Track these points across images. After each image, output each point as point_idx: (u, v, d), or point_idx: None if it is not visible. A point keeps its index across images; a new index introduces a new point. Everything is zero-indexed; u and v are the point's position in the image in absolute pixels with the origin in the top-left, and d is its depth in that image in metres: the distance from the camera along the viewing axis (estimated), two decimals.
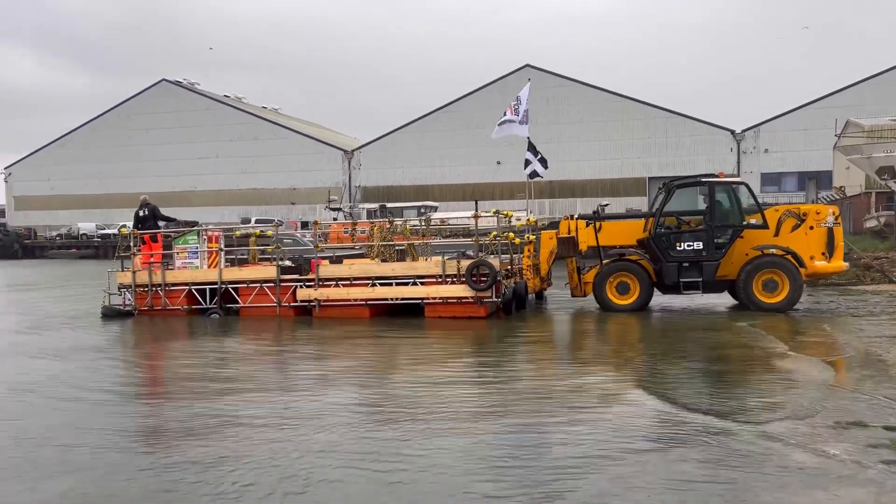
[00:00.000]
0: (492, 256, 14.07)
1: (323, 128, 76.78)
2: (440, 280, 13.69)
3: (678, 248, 13.95)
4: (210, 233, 16.07)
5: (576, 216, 15.46)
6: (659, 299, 15.12)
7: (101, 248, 52.68)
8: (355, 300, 14.14)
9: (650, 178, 50.92)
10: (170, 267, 15.70)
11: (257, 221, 46.73)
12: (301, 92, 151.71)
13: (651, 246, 14.18)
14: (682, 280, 13.90)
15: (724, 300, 15.22)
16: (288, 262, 15.71)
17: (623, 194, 51.83)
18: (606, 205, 18.60)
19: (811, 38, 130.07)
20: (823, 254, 13.70)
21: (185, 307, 15.21)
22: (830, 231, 13.70)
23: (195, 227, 16.74)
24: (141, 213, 16.85)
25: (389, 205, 44.21)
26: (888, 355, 8.87)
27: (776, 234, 13.83)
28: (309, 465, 5.16)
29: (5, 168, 68.67)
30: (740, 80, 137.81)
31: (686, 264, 13.91)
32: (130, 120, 64.99)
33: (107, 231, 55.37)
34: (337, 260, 16.17)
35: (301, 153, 60.69)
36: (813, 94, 53.69)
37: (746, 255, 13.74)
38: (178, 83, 65.70)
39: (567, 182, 54.25)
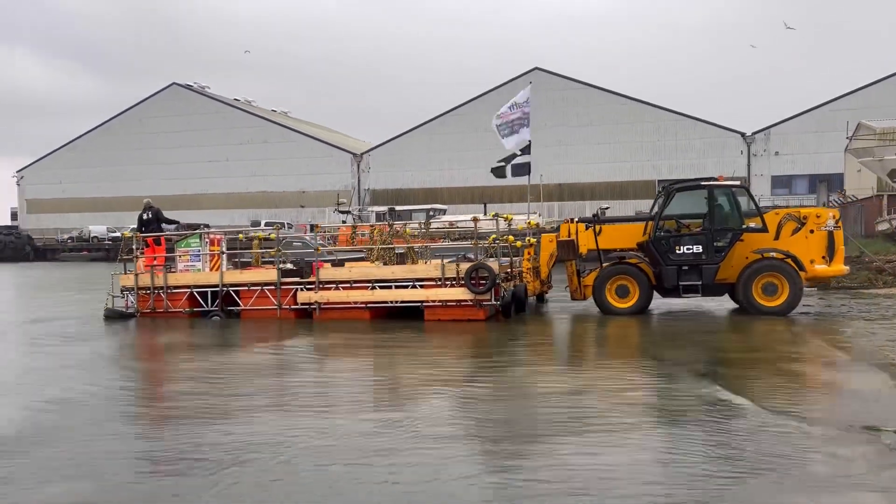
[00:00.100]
0: (491, 259, 14.08)
1: (332, 131, 77.02)
2: (439, 283, 13.73)
3: (677, 251, 13.91)
4: (212, 236, 16.16)
5: (576, 219, 15.46)
6: (658, 302, 15.10)
7: (112, 251, 52.92)
8: (355, 303, 14.20)
9: (660, 181, 50.74)
10: (172, 270, 15.83)
11: (267, 224, 46.84)
12: (302, 93, 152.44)
13: (650, 249, 14.15)
14: (681, 283, 13.85)
15: (724, 303, 15.18)
16: (289, 265, 15.78)
17: (632, 197, 51.68)
18: (607, 208, 18.61)
19: (811, 38, 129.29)
20: (824, 257, 13.64)
21: (187, 309, 15.32)
22: (831, 235, 13.63)
23: (197, 231, 16.79)
24: (144, 217, 16.98)
25: (398, 208, 44.31)
26: None
27: (776, 238, 13.78)
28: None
29: (17, 171, 69.30)
30: (740, 80, 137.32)
31: (685, 268, 13.87)
32: (141, 123, 65.45)
33: (118, 234, 55.73)
34: (339, 263, 16.25)
35: (310, 156, 60.91)
36: (814, 93, 53.49)
37: (746, 258, 13.68)
38: (188, 87, 66.11)
39: (576, 185, 54.23)
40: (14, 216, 69.64)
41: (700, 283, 13.77)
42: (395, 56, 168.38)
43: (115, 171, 64.98)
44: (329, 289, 14.42)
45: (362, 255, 17.26)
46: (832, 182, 47.26)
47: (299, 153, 61.26)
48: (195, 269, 15.71)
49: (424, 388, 8.01)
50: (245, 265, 17.15)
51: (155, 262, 15.85)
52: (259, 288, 14.93)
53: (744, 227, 13.77)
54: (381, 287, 14.14)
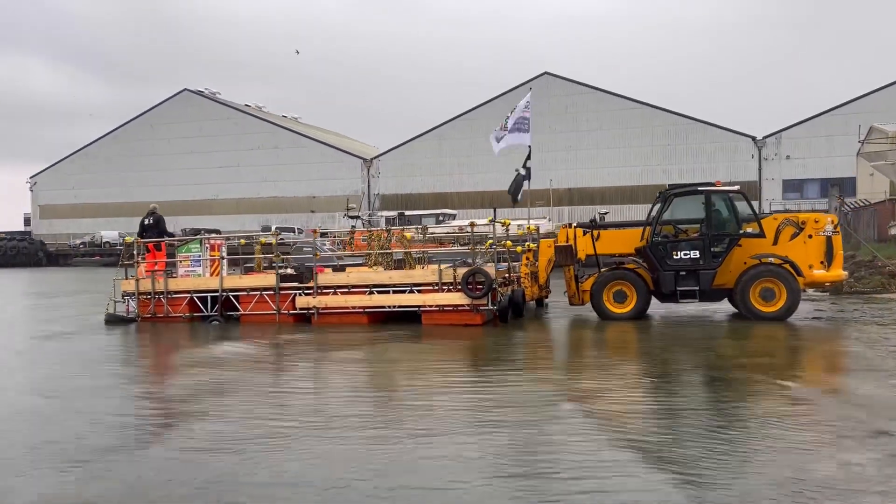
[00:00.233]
0: (489, 264, 14.10)
1: (342, 136, 77.31)
2: (437, 288, 13.77)
3: (675, 256, 13.87)
4: (212, 241, 16.29)
5: (574, 225, 15.47)
6: (656, 307, 15.06)
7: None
8: (353, 308, 14.26)
9: (672, 186, 50.40)
10: (173, 275, 15.97)
11: (278, 229, 46.97)
12: (303, 94, 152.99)
13: (648, 254, 14.11)
14: (679, 289, 13.83)
15: (723, 307, 15.12)
16: (290, 271, 15.88)
17: (643, 201, 51.36)
18: (606, 213, 18.59)
19: (820, 41, 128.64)
20: (822, 262, 13.55)
21: (187, 314, 15.44)
22: (829, 240, 13.55)
23: (197, 237, 16.91)
24: (146, 222, 17.11)
25: (408, 212, 44.30)
26: None
27: (775, 243, 13.72)
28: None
29: (31, 177, 70.02)
30: (749, 84, 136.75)
31: (683, 273, 13.83)
32: (153, 129, 65.98)
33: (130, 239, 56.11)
34: (340, 268, 16.34)
35: (321, 162, 61.18)
36: (825, 96, 53.17)
37: (745, 263, 13.63)
38: (199, 93, 66.59)
39: (586, 189, 54.13)
40: (27, 222, 70.36)
41: (697, 288, 13.73)
42: (394, 56, 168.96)
43: (126, 177, 65.53)
44: (327, 294, 14.49)
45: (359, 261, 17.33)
46: (844, 186, 46.89)
47: (310, 158, 61.54)
48: (195, 275, 15.84)
49: (411, 399, 8.02)
50: (249, 270, 17.26)
51: (156, 268, 16.00)
52: (258, 293, 15.04)
53: (741, 232, 13.72)
54: (378, 292, 14.21)
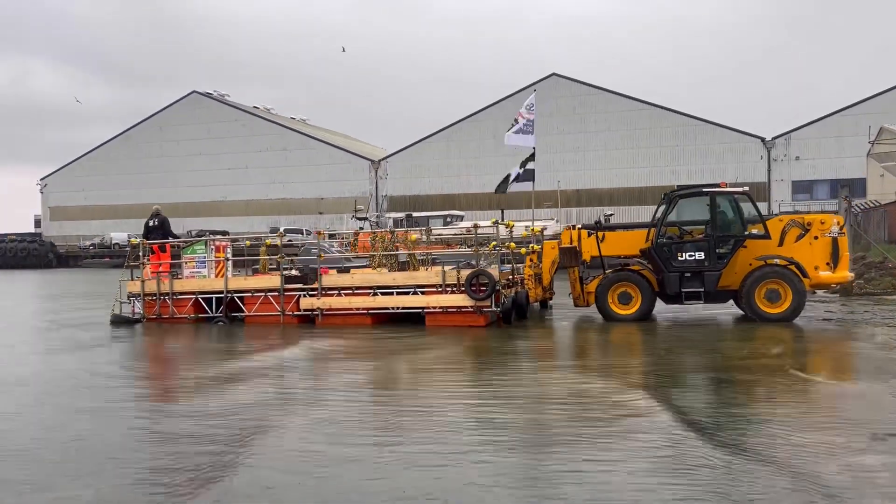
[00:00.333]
0: (492, 266, 14.08)
1: (350, 138, 77.46)
2: (440, 290, 13.77)
3: (680, 258, 13.81)
4: (217, 243, 16.33)
5: (577, 226, 15.43)
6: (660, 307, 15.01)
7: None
8: (357, 309, 14.27)
9: (679, 187, 50.21)
10: (178, 276, 16.01)
11: (286, 231, 47.07)
12: (305, 95, 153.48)
13: (653, 256, 14.06)
14: (683, 290, 13.77)
15: (728, 310, 15.05)
16: (295, 272, 15.91)
17: (651, 203, 51.11)
18: (611, 215, 18.51)
19: (829, 41, 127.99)
20: (828, 264, 13.46)
21: (192, 315, 15.48)
22: (835, 241, 13.46)
23: (202, 238, 16.96)
24: (150, 223, 17.17)
25: (415, 214, 44.28)
26: None
27: (780, 244, 13.64)
28: None
29: (41, 179, 70.45)
30: (745, 82, 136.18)
31: (688, 274, 13.77)
32: (162, 132, 66.30)
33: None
34: (344, 270, 16.35)
35: (329, 163, 61.32)
36: (834, 96, 52.87)
37: (750, 265, 13.56)
38: (208, 95, 66.87)
39: (595, 190, 54.03)
40: (37, 223, 70.80)
41: (702, 290, 13.66)
42: (393, 56, 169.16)
43: (136, 179, 65.83)
44: (331, 295, 14.51)
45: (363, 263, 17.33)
46: (854, 187, 46.59)
47: (318, 160, 61.70)
48: (200, 276, 15.88)
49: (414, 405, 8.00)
50: (257, 272, 17.30)
51: (161, 269, 16.04)
52: (263, 294, 15.07)
53: (746, 233, 13.65)
54: (382, 293, 14.22)
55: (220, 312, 15.27)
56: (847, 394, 7.68)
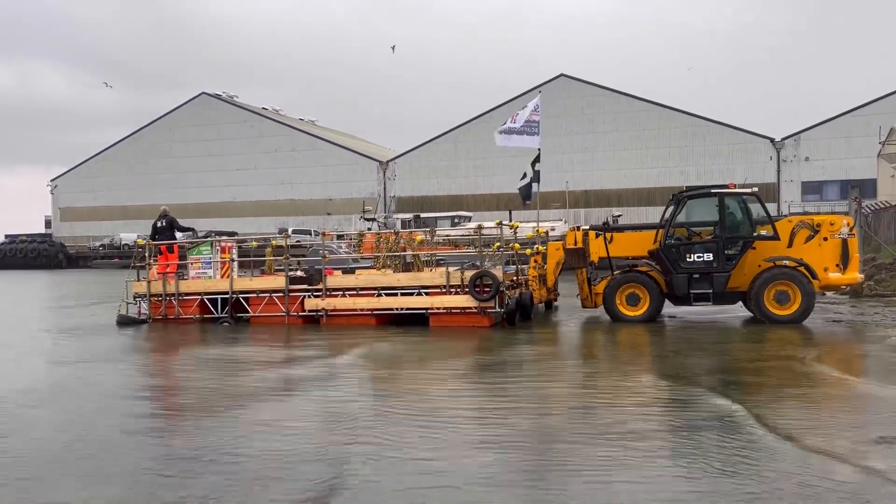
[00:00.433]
0: (497, 267, 14.01)
1: (358, 139, 77.48)
2: (444, 290, 13.71)
3: (688, 259, 13.71)
4: (223, 244, 16.31)
5: (581, 227, 15.35)
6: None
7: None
8: (361, 310, 14.24)
9: (687, 188, 49.95)
10: (184, 277, 16.01)
11: (294, 232, 47.21)
12: (305, 96, 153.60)
13: (661, 257, 13.96)
14: (692, 292, 13.66)
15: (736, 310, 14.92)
16: (300, 273, 15.88)
17: (660, 203, 50.76)
18: (619, 216, 18.38)
19: (837, 42, 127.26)
20: (838, 265, 13.32)
21: (197, 316, 15.47)
22: (845, 242, 13.31)
23: (208, 238, 16.96)
24: (158, 224, 17.17)
25: (423, 215, 44.22)
26: None
27: (789, 246, 13.50)
28: None
29: (51, 180, 70.74)
30: (766, 86, 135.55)
31: (696, 276, 13.66)
32: (171, 133, 66.48)
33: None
34: (349, 270, 16.31)
35: (337, 164, 61.32)
36: (843, 97, 52.53)
37: (759, 266, 13.43)
38: (217, 96, 67.00)
39: (603, 191, 53.83)
40: (48, 224, 71.12)
41: (711, 291, 13.56)
42: (394, 57, 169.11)
43: (145, 180, 66.02)
44: (336, 296, 14.48)
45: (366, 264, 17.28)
46: (865, 188, 46.19)
47: (326, 161, 61.72)
48: (206, 277, 15.87)
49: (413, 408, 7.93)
50: (265, 273, 17.28)
51: (167, 270, 16.04)
52: (268, 295, 15.05)
53: (755, 234, 13.53)
54: (386, 294, 14.17)
55: (226, 313, 15.26)
56: (858, 397, 7.57)
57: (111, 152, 69.08)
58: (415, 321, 13.99)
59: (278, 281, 15.08)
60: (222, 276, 15.77)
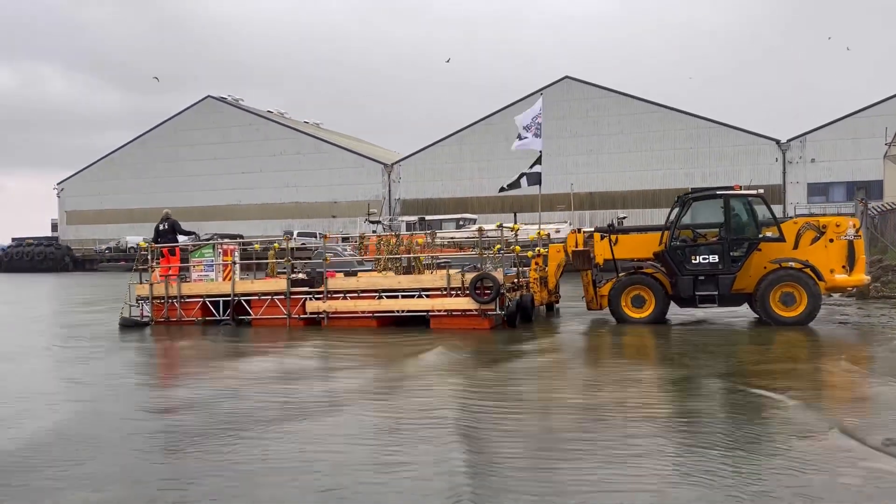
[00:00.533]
0: (497, 269, 13.96)
1: (363, 141, 77.51)
2: (445, 293, 13.66)
3: (693, 261, 13.63)
4: (224, 246, 16.29)
5: (583, 229, 15.30)
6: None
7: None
8: (362, 312, 14.20)
9: (693, 189, 49.74)
10: (186, 280, 15.98)
11: (299, 234, 47.26)
12: (306, 97, 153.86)
13: (666, 259, 13.86)
14: (697, 293, 13.59)
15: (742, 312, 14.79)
16: (302, 275, 15.85)
17: (665, 205, 50.76)
18: (624, 217, 18.32)
19: (842, 44, 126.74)
20: (844, 267, 13.19)
21: (199, 318, 15.44)
22: (851, 244, 13.19)
23: (210, 241, 16.93)
24: (161, 227, 17.14)
25: (428, 217, 44.19)
26: None
27: (795, 247, 13.38)
28: None
29: (58, 184, 70.94)
30: (771, 87, 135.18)
31: (702, 277, 13.56)
32: (177, 136, 66.62)
33: None
34: (352, 273, 16.27)
35: (342, 167, 61.34)
36: (849, 98, 52.29)
37: (764, 268, 13.33)
38: (222, 99, 67.09)
39: (608, 193, 53.69)
40: (54, 227, 71.31)
41: (716, 293, 13.47)
42: (392, 56, 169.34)
43: (151, 183, 66.19)
44: (337, 298, 14.43)
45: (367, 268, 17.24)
46: (871, 189, 45.96)
47: (331, 164, 61.75)
48: (208, 279, 15.84)
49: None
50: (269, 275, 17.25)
51: (169, 272, 16.01)
52: (269, 297, 15.02)
53: (761, 236, 13.42)
54: (387, 296, 14.12)
55: (227, 315, 15.23)
56: (865, 398, 7.45)
57: (117, 156, 69.28)
58: (415, 323, 13.94)
59: (280, 283, 15.05)
60: (224, 279, 15.74)
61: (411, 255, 14.94)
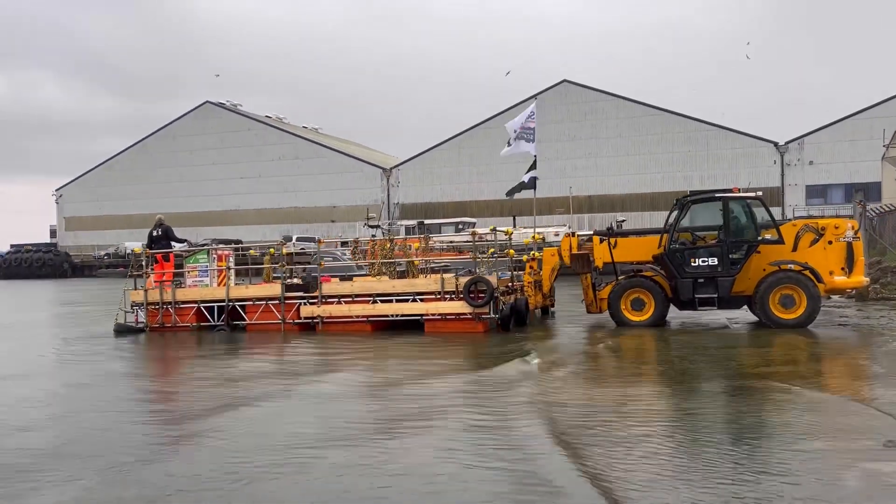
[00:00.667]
0: (491, 273, 13.88)
1: (361, 146, 77.45)
2: (439, 297, 13.60)
3: (693, 263, 13.56)
4: (219, 252, 16.19)
5: (577, 233, 15.25)
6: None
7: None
8: (357, 317, 14.13)
9: (691, 192, 49.59)
10: (181, 285, 15.88)
11: (298, 239, 47.17)
12: (306, 102, 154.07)
13: (666, 262, 13.79)
14: (697, 296, 13.51)
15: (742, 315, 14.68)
16: (297, 280, 15.75)
17: (664, 208, 50.49)
18: (623, 221, 18.25)
19: (841, 46, 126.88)
20: (843, 269, 13.10)
21: (194, 324, 15.34)
22: (850, 246, 13.11)
23: (205, 247, 16.83)
24: (154, 233, 17.01)
25: (427, 221, 44.12)
26: None
27: (794, 249, 13.30)
28: None
29: (56, 190, 70.85)
30: (769, 90, 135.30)
31: (701, 280, 13.48)
32: (175, 141, 66.53)
33: None
34: (347, 277, 16.19)
35: (341, 171, 61.28)
36: (847, 100, 52.33)
37: (763, 270, 13.25)
38: (220, 105, 67.03)
39: (607, 196, 53.62)
40: (53, 233, 71.17)
41: (716, 295, 13.42)
42: (392, 57, 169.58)
43: (149, 189, 66.05)
44: (332, 303, 14.34)
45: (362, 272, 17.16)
46: (869, 191, 45.85)
47: (330, 169, 61.68)
48: (203, 285, 15.75)
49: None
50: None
51: (164, 278, 15.91)
52: (264, 302, 14.93)
53: (759, 238, 13.34)
54: (382, 301, 14.04)
55: (222, 321, 15.13)
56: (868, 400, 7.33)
57: (115, 161, 69.20)
58: (409, 327, 13.88)
59: (274, 288, 14.98)
60: (219, 285, 15.63)
61: (406, 259, 14.87)
